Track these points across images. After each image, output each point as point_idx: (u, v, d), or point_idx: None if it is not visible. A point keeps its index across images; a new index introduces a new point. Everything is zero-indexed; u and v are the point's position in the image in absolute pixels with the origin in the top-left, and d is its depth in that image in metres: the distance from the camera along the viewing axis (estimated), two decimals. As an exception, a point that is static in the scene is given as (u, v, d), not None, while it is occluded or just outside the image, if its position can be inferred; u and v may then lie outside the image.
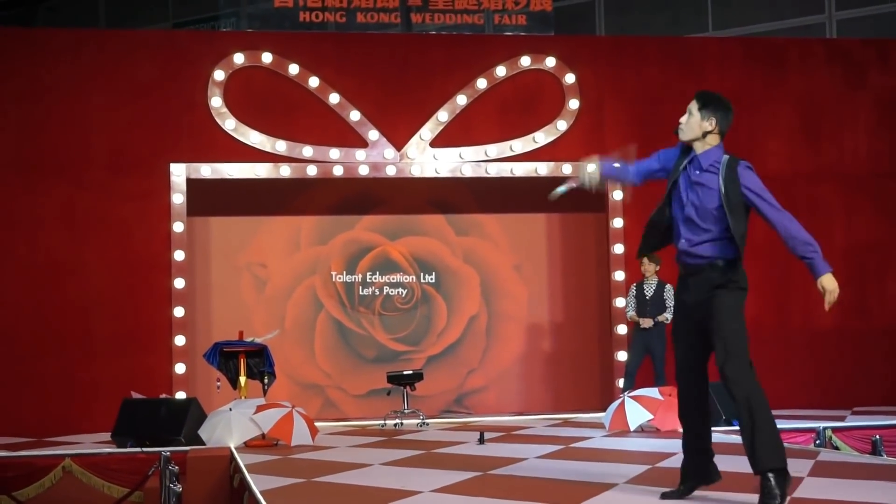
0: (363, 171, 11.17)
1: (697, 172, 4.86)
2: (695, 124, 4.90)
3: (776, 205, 4.71)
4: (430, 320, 11.88)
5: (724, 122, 4.90)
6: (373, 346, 11.75)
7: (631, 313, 10.13)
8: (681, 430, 5.08)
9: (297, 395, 11.08)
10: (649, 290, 10.07)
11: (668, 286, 9.94)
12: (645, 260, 10.10)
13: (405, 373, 10.39)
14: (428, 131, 11.27)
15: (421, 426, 10.03)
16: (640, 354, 10.00)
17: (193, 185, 10.91)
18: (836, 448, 8.71)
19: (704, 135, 4.89)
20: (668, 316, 9.85)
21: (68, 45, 10.98)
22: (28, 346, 10.41)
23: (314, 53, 11.27)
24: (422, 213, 11.98)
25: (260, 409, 8.56)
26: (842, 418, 9.68)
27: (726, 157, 4.84)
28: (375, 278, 11.81)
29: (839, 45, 12.43)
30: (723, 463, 5.08)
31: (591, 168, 5.24)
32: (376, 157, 11.18)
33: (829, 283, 4.61)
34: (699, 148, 4.91)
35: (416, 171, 11.25)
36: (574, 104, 11.42)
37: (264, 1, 11.35)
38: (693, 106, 4.92)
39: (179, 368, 10.59)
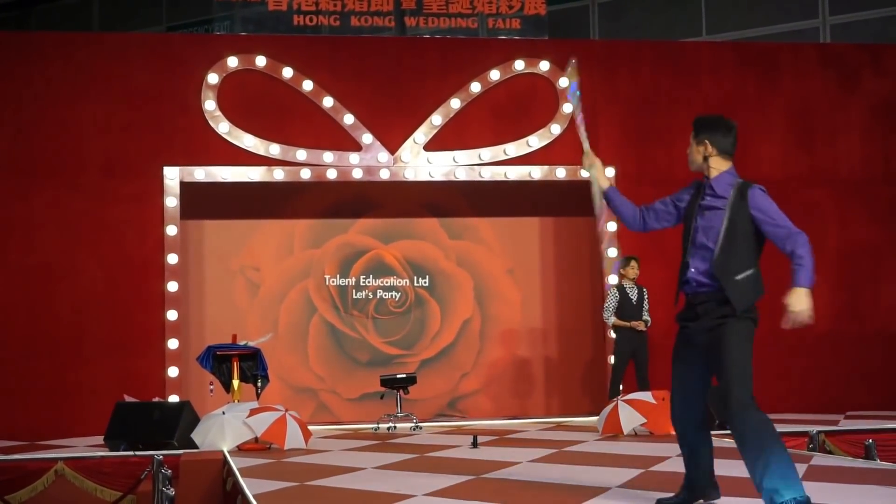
0: (357, 174, 11.17)
1: (709, 198, 4.74)
2: (693, 153, 4.84)
3: (789, 226, 4.55)
4: (424, 324, 11.87)
5: (722, 141, 4.76)
6: (366, 349, 11.74)
7: (614, 319, 10.12)
8: (677, 444, 4.99)
9: (291, 399, 11.08)
10: (633, 294, 10.07)
11: (645, 290, 10.04)
12: (635, 263, 10.11)
13: (398, 376, 10.38)
14: (422, 135, 11.27)
15: (414, 430, 10.02)
16: (628, 359, 10.01)
17: (187, 188, 10.90)
18: (829, 452, 8.71)
19: (705, 159, 4.78)
20: (648, 319, 9.96)
21: (62, 48, 10.97)
22: (21, 349, 10.39)
23: (308, 57, 11.27)
24: (415, 217, 11.98)
25: (253, 412, 8.54)
26: (835, 422, 9.69)
27: (739, 181, 4.72)
28: (369, 282, 11.80)
29: (832, 50, 12.46)
30: (719, 468, 5.07)
31: (597, 178, 5.11)
32: (370, 160, 11.18)
33: (795, 301, 4.40)
34: (711, 174, 4.78)
35: (410, 175, 11.25)
36: (568, 108, 11.43)
37: (258, 4, 11.34)
38: (691, 135, 4.85)
39: (172, 372, 10.57)
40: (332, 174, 11.12)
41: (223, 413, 8.58)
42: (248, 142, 11.00)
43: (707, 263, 4.67)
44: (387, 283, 11.84)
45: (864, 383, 11.39)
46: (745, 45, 13.39)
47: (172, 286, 10.71)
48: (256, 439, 8.46)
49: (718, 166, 4.78)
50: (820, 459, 6.99)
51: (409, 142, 11.25)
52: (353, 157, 11.17)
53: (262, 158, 11.01)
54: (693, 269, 4.73)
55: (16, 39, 11.22)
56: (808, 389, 11.30)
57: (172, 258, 10.74)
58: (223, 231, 11.60)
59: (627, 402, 8.97)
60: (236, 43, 11.35)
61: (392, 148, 11.22)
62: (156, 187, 10.80)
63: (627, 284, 10.12)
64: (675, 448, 6.08)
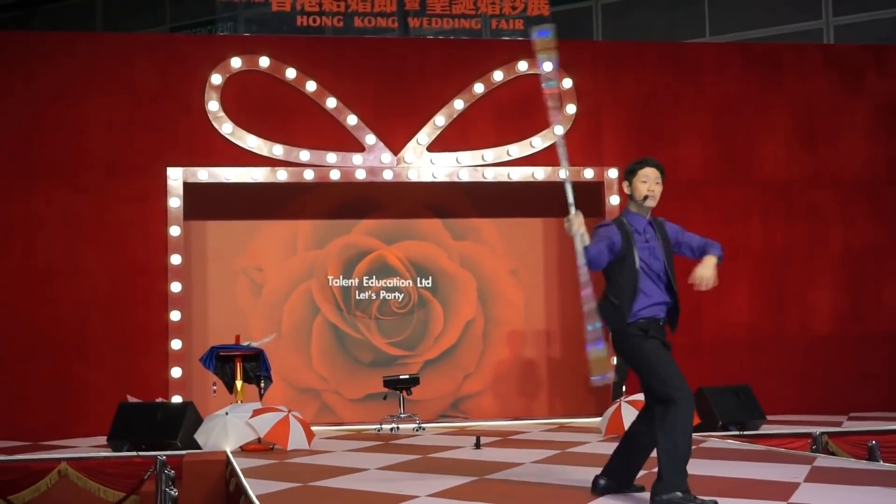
0: (360, 175, 11.16)
1: (650, 234, 5.29)
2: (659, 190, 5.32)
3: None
4: (427, 325, 11.87)
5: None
6: (369, 350, 11.74)
7: None
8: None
9: (294, 400, 11.08)
10: None
11: None
12: None
13: (401, 377, 10.38)
14: (425, 136, 11.27)
15: (417, 431, 10.02)
16: None
17: (190, 188, 10.90)
18: (832, 453, 8.70)
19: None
20: None
21: (65, 48, 10.98)
22: (24, 349, 10.40)
23: (311, 58, 11.27)
24: (418, 218, 11.98)
25: (256, 413, 8.55)
26: (838, 424, 9.69)
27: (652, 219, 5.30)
28: (372, 282, 11.80)
29: (836, 51, 12.44)
30: (716, 468, 5.07)
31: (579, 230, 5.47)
32: (373, 161, 11.18)
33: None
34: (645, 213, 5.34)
35: (413, 176, 11.25)
36: (571, 109, 11.43)
37: (262, 5, 11.35)
38: (661, 176, 5.31)
39: (175, 372, 10.57)
40: (335, 175, 11.12)
41: (226, 414, 8.59)
42: (252, 142, 11.00)
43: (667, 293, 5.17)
44: (390, 283, 11.84)
45: (868, 384, 11.39)
46: (749, 45, 13.37)
47: (176, 287, 10.72)
48: (259, 440, 8.47)
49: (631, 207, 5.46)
50: (823, 461, 6.98)
51: (412, 142, 11.25)
52: (357, 158, 11.17)
53: (265, 159, 11.01)
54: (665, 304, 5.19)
55: (19, 39, 11.22)
56: (811, 390, 11.29)
57: (175, 259, 10.75)
58: (226, 231, 11.60)
59: (630, 403, 8.96)
60: (240, 44, 11.35)
61: (395, 149, 11.22)
62: (159, 188, 10.80)
63: None
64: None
